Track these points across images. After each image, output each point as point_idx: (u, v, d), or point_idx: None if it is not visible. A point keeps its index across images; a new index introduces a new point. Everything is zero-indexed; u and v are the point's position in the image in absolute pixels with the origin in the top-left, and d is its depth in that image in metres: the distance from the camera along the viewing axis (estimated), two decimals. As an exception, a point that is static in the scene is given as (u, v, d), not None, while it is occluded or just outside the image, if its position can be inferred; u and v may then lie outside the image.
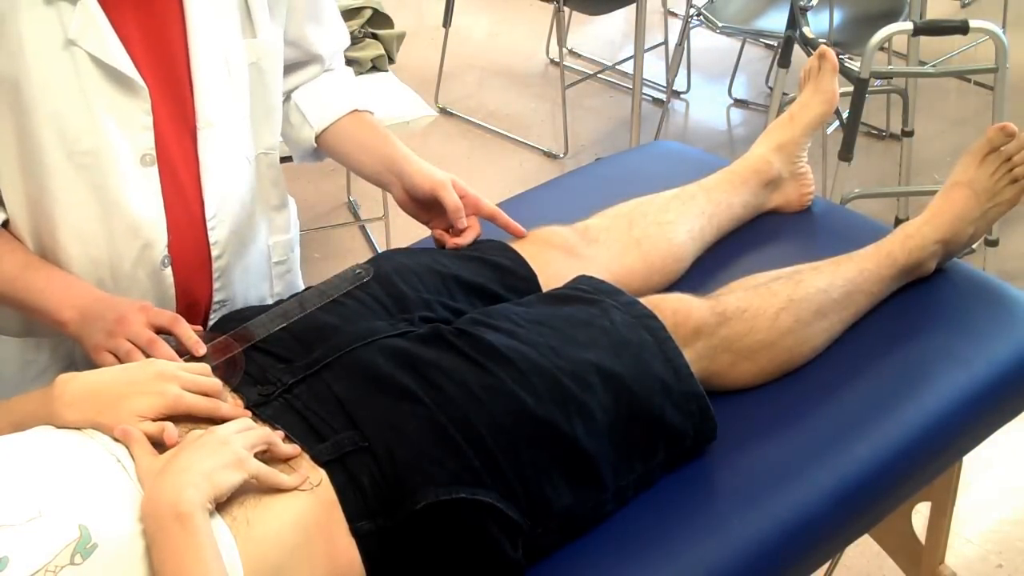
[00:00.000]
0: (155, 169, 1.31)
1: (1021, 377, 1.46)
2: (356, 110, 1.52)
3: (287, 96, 1.52)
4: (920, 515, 1.76)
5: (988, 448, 1.55)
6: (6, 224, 1.32)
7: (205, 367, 1.17)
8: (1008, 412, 1.50)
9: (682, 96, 3.80)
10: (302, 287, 1.58)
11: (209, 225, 1.38)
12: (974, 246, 2.03)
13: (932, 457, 1.40)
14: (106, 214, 1.30)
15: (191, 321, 1.30)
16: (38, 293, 1.29)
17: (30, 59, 1.21)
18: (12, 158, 1.27)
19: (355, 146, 1.51)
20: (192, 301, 1.41)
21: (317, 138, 1.51)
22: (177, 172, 1.33)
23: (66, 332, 1.28)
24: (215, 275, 1.41)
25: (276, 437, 1.10)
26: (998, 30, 2.42)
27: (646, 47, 3.35)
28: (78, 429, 1.08)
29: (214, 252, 1.40)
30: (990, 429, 1.49)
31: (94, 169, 1.27)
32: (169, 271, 1.36)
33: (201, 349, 1.23)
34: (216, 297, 1.43)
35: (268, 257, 1.52)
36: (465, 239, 1.46)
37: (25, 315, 1.35)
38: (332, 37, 1.53)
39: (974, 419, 1.43)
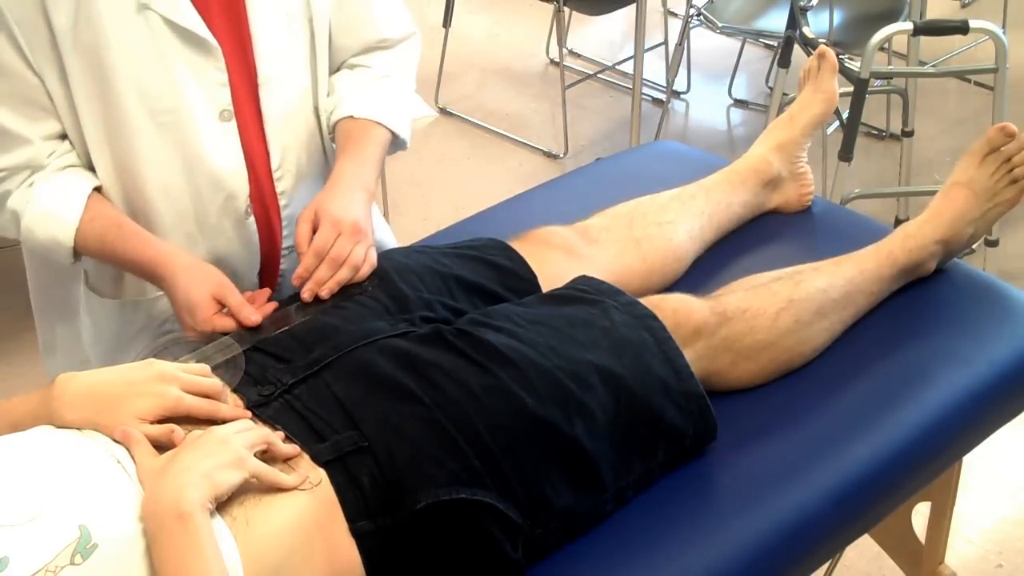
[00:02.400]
0: (234, 124, 1.38)
1: (1021, 377, 1.46)
2: (351, 116, 1.47)
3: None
4: (920, 515, 1.76)
5: (988, 448, 1.55)
6: (99, 190, 1.38)
7: (205, 368, 1.17)
8: (1008, 412, 1.50)
9: (682, 96, 3.80)
10: None
11: (275, 176, 1.45)
12: (974, 246, 2.03)
13: (932, 457, 1.40)
14: (190, 169, 1.37)
15: (271, 266, 1.49)
16: (131, 255, 1.35)
17: (107, 25, 1.27)
18: (99, 122, 1.33)
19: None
20: (270, 247, 1.50)
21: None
22: (249, 125, 1.41)
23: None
24: (284, 223, 1.48)
25: (276, 437, 1.10)
26: (998, 30, 2.42)
27: (646, 47, 3.35)
28: (78, 429, 1.08)
29: (281, 201, 1.47)
30: (990, 429, 1.49)
31: (176, 127, 1.34)
32: (252, 220, 1.44)
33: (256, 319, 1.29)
34: (285, 243, 1.50)
35: None
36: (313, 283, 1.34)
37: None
38: (363, 28, 1.51)
39: (974, 419, 1.43)
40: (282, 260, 1.52)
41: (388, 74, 1.53)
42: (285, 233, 1.49)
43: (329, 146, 1.51)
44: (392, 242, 1.66)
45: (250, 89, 1.39)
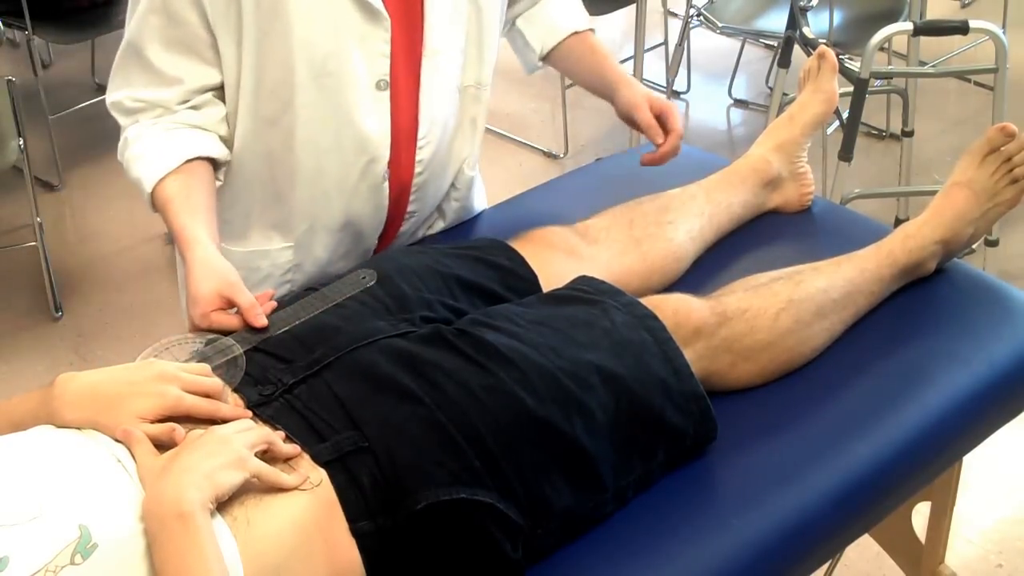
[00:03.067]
0: (388, 93, 1.46)
1: (1021, 377, 1.46)
2: (576, 31, 1.67)
3: (511, 23, 1.69)
4: (920, 515, 1.76)
5: (988, 448, 1.55)
6: (215, 163, 1.44)
7: (205, 367, 1.17)
8: (1008, 412, 1.50)
9: (682, 96, 3.80)
10: (476, 209, 1.76)
11: (418, 145, 1.52)
12: (974, 246, 2.03)
13: (932, 457, 1.40)
14: (339, 131, 1.45)
15: (391, 229, 1.57)
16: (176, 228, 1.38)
17: None
18: (263, 78, 1.41)
19: (576, 65, 1.71)
20: (396, 212, 1.57)
21: (543, 59, 1.72)
22: (401, 96, 1.48)
23: None
24: (413, 189, 1.56)
25: (276, 437, 1.10)
26: (998, 30, 2.42)
27: (646, 47, 3.35)
28: (78, 429, 1.08)
29: (416, 169, 1.54)
30: (990, 429, 1.49)
31: (334, 90, 1.42)
32: (386, 185, 1.51)
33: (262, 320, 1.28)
34: (409, 208, 1.58)
35: (451, 181, 1.66)
36: (660, 157, 1.60)
37: None
38: None
39: (974, 419, 1.43)
40: (403, 223, 1.59)
41: None
42: (412, 198, 1.57)
43: (465, 127, 1.62)
44: (484, 203, 1.79)
45: (411, 61, 1.47)
